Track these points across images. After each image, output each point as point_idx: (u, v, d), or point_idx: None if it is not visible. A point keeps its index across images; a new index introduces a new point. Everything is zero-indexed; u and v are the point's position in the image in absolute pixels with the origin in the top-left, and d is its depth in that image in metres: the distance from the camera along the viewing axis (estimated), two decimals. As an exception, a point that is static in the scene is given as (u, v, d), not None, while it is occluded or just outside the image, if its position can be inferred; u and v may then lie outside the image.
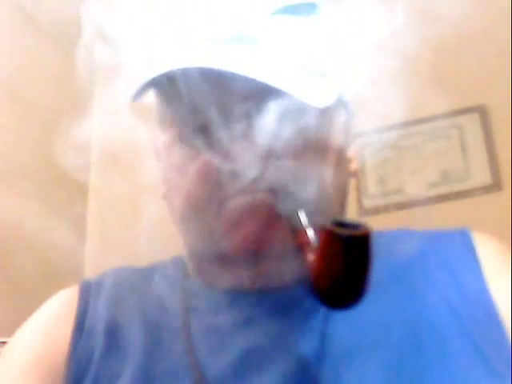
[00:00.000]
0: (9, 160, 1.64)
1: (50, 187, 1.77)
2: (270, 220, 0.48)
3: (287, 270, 0.52)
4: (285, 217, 0.47)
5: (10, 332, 0.57)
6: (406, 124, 1.66)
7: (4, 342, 0.57)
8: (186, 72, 0.47)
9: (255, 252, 0.49)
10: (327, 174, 0.51)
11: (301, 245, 0.44)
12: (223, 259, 0.52)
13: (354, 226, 0.39)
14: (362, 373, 0.46)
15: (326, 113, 0.51)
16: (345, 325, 0.50)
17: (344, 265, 0.39)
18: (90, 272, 1.83)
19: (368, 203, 1.63)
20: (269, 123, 0.50)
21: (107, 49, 0.50)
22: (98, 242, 1.90)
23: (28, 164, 1.71)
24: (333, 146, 0.53)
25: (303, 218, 0.46)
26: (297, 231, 0.46)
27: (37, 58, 1.78)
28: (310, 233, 0.44)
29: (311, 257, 0.42)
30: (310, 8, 0.53)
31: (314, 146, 0.51)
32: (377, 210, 1.60)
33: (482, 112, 1.61)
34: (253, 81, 0.45)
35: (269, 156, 0.49)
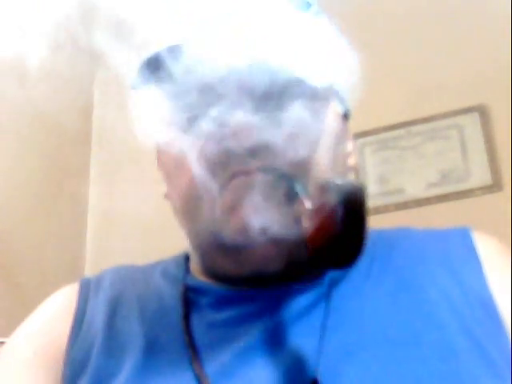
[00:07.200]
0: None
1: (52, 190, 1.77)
2: (269, 200, 0.48)
3: (288, 253, 0.52)
4: (282, 192, 0.47)
5: (10, 332, 0.58)
6: (406, 124, 1.66)
7: (4, 343, 0.57)
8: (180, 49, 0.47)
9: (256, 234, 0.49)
10: (323, 158, 0.51)
11: (299, 217, 0.44)
12: (226, 246, 0.51)
13: (348, 183, 0.40)
14: (362, 369, 0.46)
15: (321, 96, 0.51)
16: (345, 321, 0.50)
17: (341, 218, 0.39)
18: (89, 272, 1.83)
19: (368, 203, 1.63)
20: (264, 101, 0.49)
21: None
22: (98, 243, 1.90)
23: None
24: (328, 132, 0.53)
25: (299, 187, 0.46)
26: (295, 203, 0.46)
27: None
28: (307, 200, 0.44)
29: (308, 222, 0.42)
30: (305, 6, 0.53)
31: (309, 127, 0.51)
32: (377, 210, 1.60)
33: (482, 112, 1.60)
34: (249, 56, 0.45)
35: (265, 137, 0.48)
